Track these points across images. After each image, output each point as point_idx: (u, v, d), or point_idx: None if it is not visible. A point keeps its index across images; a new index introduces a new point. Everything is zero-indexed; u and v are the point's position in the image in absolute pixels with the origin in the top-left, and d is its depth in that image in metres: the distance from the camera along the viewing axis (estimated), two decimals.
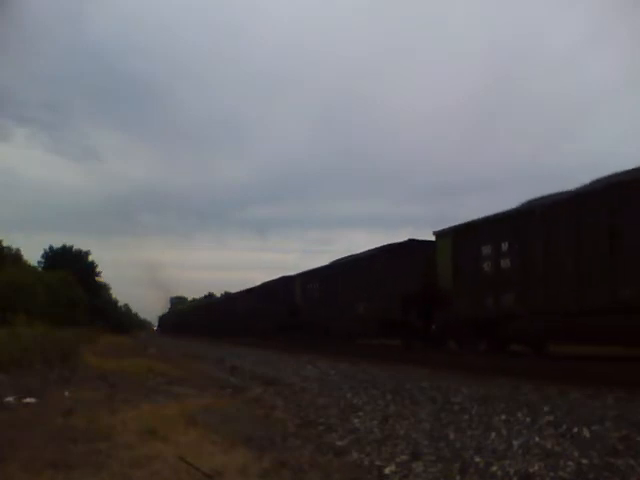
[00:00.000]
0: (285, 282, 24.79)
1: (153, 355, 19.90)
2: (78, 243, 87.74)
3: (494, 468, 3.99)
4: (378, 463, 4.28)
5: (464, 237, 12.34)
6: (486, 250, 11.54)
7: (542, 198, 10.98)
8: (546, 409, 5.98)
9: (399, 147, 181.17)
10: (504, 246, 11.12)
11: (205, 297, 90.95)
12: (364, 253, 17.96)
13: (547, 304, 10.06)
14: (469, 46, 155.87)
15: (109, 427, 5.46)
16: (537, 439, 4.74)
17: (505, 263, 11.06)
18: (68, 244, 55.23)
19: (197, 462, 4.09)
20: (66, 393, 8.08)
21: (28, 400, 7.30)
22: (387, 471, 4.08)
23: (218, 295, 79.03)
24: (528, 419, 5.56)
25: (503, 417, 5.73)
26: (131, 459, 4.26)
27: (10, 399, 7.29)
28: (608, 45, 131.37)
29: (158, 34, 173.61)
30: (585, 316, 9.25)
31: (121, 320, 72.57)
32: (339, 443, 5.04)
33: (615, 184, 9.01)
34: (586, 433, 4.82)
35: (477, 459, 4.23)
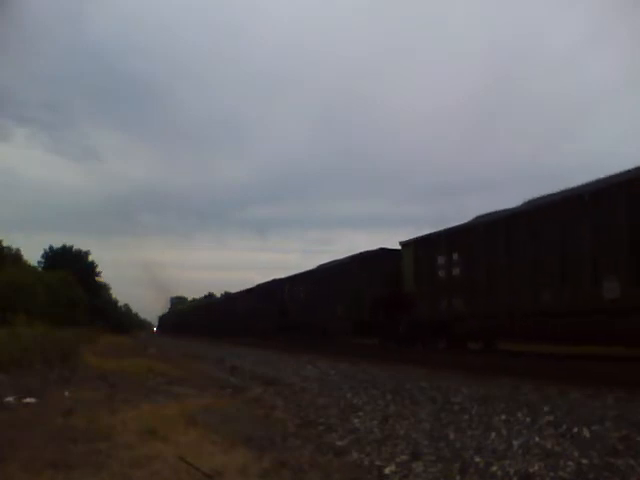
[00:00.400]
0: (277, 284, 26.42)
1: (153, 355, 19.90)
2: (78, 243, 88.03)
3: (494, 468, 3.99)
4: (378, 463, 4.29)
5: (424, 248, 13.90)
6: (441, 260, 13.06)
7: (485, 215, 12.52)
8: (546, 409, 5.98)
9: (399, 147, 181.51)
10: (455, 256, 12.69)
11: (205, 297, 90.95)
12: (342, 260, 19.92)
13: (488, 308, 11.46)
14: (469, 46, 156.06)
15: (109, 427, 5.46)
16: (537, 439, 4.74)
17: (456, 271, 12.59)
18: (68, 244, 55.26)
19: (197, 462, 4.10)
20: (66, 393, 8.07)
21: (28, 400, 7.30)
22: (387, 471, 4.08)
23: (218, 295, 79.06)
24: (528, 419, 5.56)
25: (503, 417, 5.73)
26: (131, 459, 4.26)
27: (10, 399, 7.29)
28: (608, 45, 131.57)
29: (158, 34, 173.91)
30: (517, 318, 10.71)
31: (121, 320, 72.54)
32: (339, 443, 5.04)
33: (538, 207, 10.59)
34: (586, 433, 4.82)
35: (477, 459, 4.23)
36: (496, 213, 12.03)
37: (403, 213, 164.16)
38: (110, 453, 4.46)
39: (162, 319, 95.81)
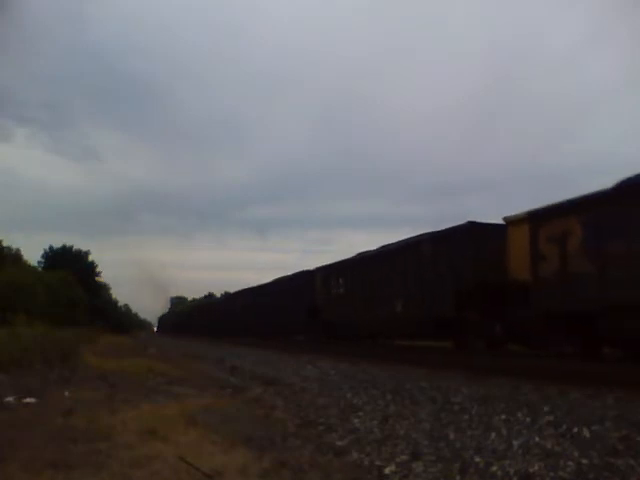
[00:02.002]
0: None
1: (153, 355, 19.91)
2: (78, 243, 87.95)
3: (494, 468, 3.99)
4: (378, 463, 4.28)
5: (325, 273, 20.29)
6: (334, 282, 19.57)
7: (363, 252, 18.60)
8: (546, 409, 5.97)
9: (399, 147, 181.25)
10: (340, 280, 19.14)
11: (205, 297, 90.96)
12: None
13: (354, 316, 17.71)
14: (469, 46, 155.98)
15: (109, 427, 5.46)
16: (537, 439, 4.74)
17: (340, 291, 19.12)
18: (68, 244, 55.26)
19: (197, 462, 4.10)
20: (66, 393, 8.08)
21: (28, 400, 7.31)
22: (387, 471, 4.08)
23: (218, 295, 79.06)
24: (528, 419, 5.56)
25: (503, 417, 5.73)
26: (131, 459, 4.27)
27: (10, 399, 7.29)
28: (608, 45, 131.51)
29: (158, 34, 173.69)
30: (380, 322, 16.23)
31: (121, 320, 72.52)
32: (339, 443, 5.04)
33: (387, 251, 16.52)
34: (586, 433, 4.82)
35: (477, 459, 4.23)
36: (364, 253, 18.32)
37: (403, 213, 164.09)
38: (110, 453, 4.46)
39: (162, 319, 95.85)
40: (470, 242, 12.43)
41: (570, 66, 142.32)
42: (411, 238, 15.46)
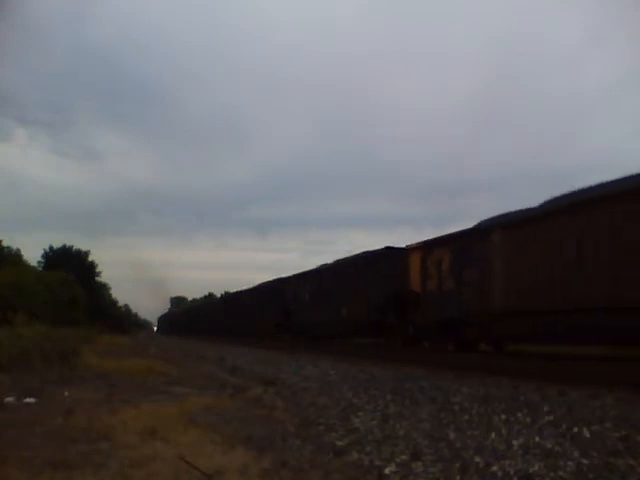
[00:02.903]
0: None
1: (153, 355, 19.89)
2: (78, 243, 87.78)
3: (494, 468, 3.98)
4: (378, 463, 4.28)
5: (296, 281, 24.04)
6: (303, 288, 22.73)
7: (325, 264, 22.66)
8: (546, 409, 5.98)
9: (399, 147, 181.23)
10: (307, 287, 22.46)
11: (205, 297, 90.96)
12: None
13: (312, 318, 21.28)
14: (469, 46, 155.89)
15: (109, 427, 5.46)
16: (537, 439, 4.74)
17: (307, 297, 22.33)
18: (68, 244, 55.21)
19: (197, 462, 4.09)
20: (66, 393, 8.07)
21: (28, 400, 7.30)
22: (387, 471, 4.07)
23: (218, 295, 79.06)
24: (528, 419, 5.56)
25: (503, 417, 5.73)
26: (131, 459, 4.26)
27: (10, 399, 7.29)
28: (608, 45, 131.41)
29: (158, 34, 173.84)
30: (333, 325, 19.47)
31: (121, 320, 72.48)
32: (339, 443, 5.03)
33: (335, 266, 20.94)
34: (586, 433, 4.82)
35: (477, 459, 4.23)
36: (323, 265, 22.47)
37: (403, 213, 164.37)
38: (110, 453, 4.46)
39: (162, 319, 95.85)
40: (387, 262, 16.12)
41: (570, 66, 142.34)
42: (352, 256, 19.85)
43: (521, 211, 12.06)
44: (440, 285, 13.38)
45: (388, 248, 16.60)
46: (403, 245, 15.75)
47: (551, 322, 10.26)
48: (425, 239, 14.61)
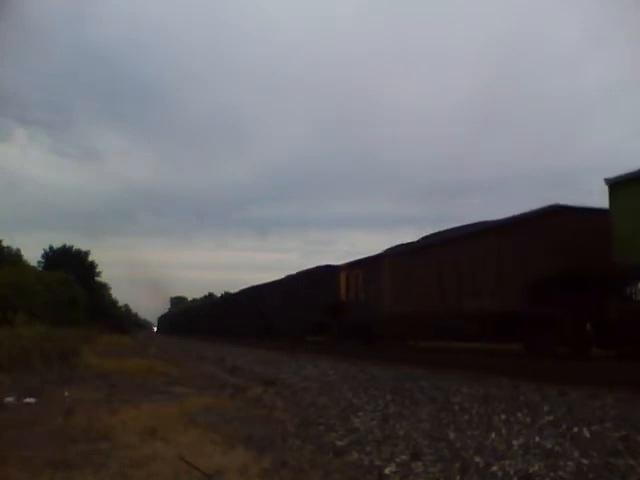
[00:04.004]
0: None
1: (153, 355, 19.90)
2: (78, 243, 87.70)
3: (494, 468, 3.98)
4: (378, 463, 4.28)
5: (270, 290, 28.39)
6: (276, 295, 26.79)
7: (290, 274, 26.23)
8: (546, 409, 5.98)
9: (399, 147, 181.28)
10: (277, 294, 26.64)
11: (205, 297, 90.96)
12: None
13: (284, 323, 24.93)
14: (469, 46, 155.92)
15: (109, 427, 5.45)
16: (537, 439, 4.74)
17: (279, 303, 26.01)
18: (68, 244, 55.17)
19: (197, 462, 4.09)
20: (66, 393, 8.07)
21: (28, 400, 7.30)
22: (387, 471, 4.07)
23: (218, 295, 79.05)
24: (528, 419, 5.56)
25: (503, 417, 5.73)
26: (131, 459, 4.26)
27: (10, 399, 7.29)
28: (608, 45, 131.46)
29: (159, 34, 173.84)
30: (296, 326, 23.16)
31: (121, 320, 72.46)
32: (339, 443, 5.03)
33: (296, 277, 24.86)
34: (586, 433, 4.82)
35: (477, 459, 4.23)
36: (290, 275, 26.04)
37: (403, 213, 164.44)
38: (110, 453, 4.46)
39: (162, 319, 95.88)
40: (328, 277, 20.46)
41: (570, 66, 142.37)
42: (305, 270, 24.02)
43: (405, 245, 16.86)
44: (357, 296, 18.30)
45: (328, 266, 21.32)
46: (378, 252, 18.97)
47: (423, 325, 14.38)
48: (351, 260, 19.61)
